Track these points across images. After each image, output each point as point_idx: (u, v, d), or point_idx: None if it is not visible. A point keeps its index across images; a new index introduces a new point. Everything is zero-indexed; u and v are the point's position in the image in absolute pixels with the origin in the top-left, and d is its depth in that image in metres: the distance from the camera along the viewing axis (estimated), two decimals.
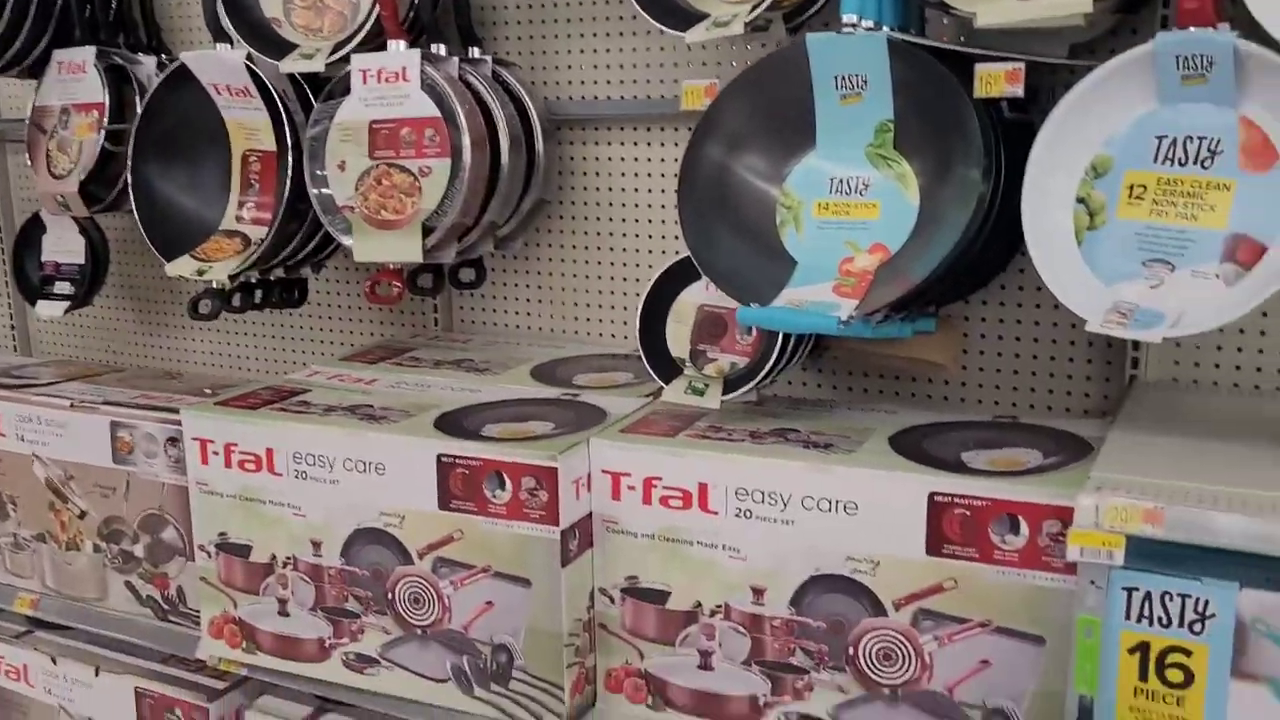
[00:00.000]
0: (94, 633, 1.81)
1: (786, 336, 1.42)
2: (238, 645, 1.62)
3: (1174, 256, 1.14)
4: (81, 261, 2.26)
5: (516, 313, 2.04)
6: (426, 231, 1.66)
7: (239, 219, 1.88)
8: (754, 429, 1.43)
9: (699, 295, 1.50)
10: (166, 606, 1.73)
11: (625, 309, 1.93)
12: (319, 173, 1.72)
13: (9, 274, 2.57)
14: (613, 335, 1.95)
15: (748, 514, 1.33)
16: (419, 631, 1.48)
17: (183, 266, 1.83)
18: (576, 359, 1.84)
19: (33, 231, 2.32)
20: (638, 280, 1.91)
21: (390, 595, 1.49)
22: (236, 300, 1.87)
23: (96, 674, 1.82)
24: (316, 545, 1.53)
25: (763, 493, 1.32)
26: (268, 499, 1.55)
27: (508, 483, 1.38)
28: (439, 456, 1.42)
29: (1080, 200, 1.21)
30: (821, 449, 1.34)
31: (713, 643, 1.37)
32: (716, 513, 1.34)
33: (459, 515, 1.42)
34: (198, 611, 1.70)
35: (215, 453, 1.57)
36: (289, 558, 1.55)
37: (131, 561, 1.75)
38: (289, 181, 1.75)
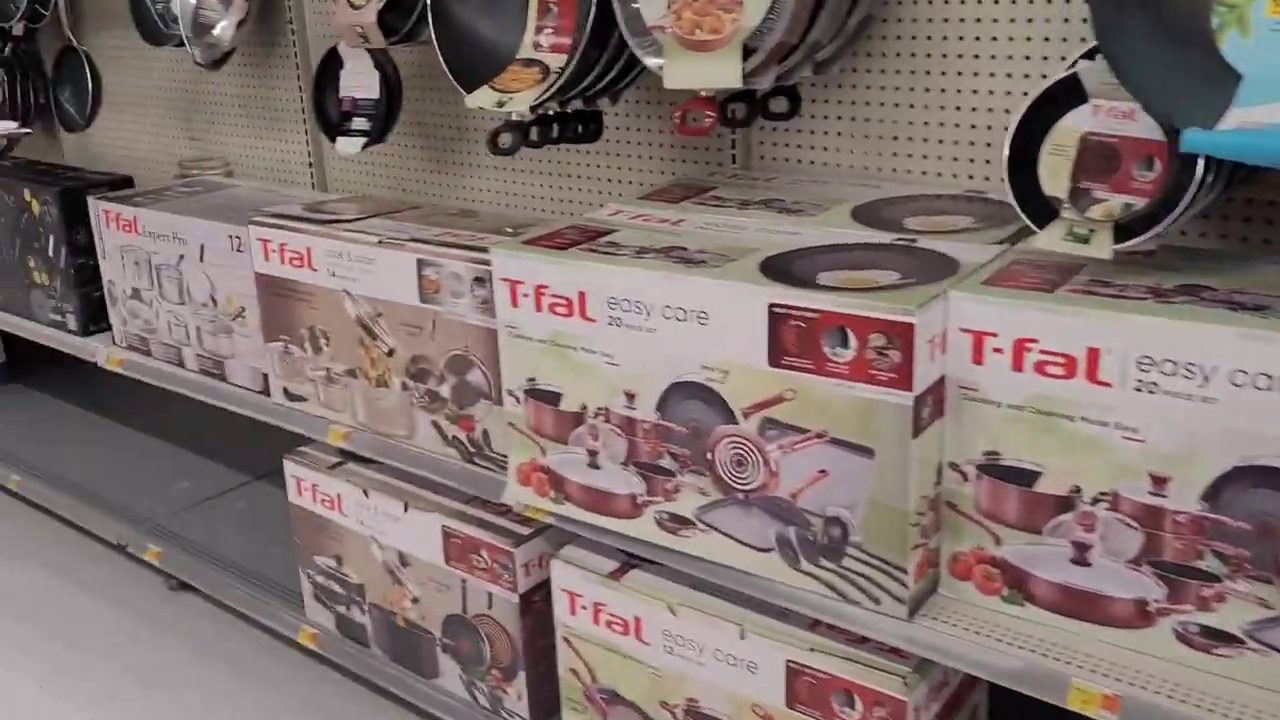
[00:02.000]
0: (402, 469, 1.82)
1: (1205, 172, 1.15)
2: (545, 494, 1.57)
3: None
4: (376, 97, 2.22)
5: (826, 148, 1.82)
6: (746, 53, 1.46)
7: (537, 46, 1.74)
8: (1153, 284, 1.18)
9: (1084, 121, 1.24)
10: (472, 449, 1.70)
11: (956, 143, 1.68)
12: None
13: (306, 110, 2.60)
14: (939, 174, 1.71)
15: (1151, 387, 1.10)
16: (741, 496, 1.36)
17: (482, 98, 1.72)
18: (900, 200, 1.62)
19: (330, 66, 2.30)
20: (974, 110, 1.64)
21: (710, 455, 1.37)
22: (534, 134, 1.76)
23: (405, 509, 1.83)
24: (630, 397, 1.42)
25: (1174, 363, 1.08)
26: (579, 345, 1.45)
27: (852, 339, 1.21)
28: (771, 307, 1.26)
29: None
30: (1251, 311, 1.08)
31: (1092, 535, 1.17)
32: (1109, 384, 1.12)
33: (792, 373, 1.27)
34: (503, 456, 1.66)
35: (525, 295, 1.48)
36: (600, 408, 1.46)
37: (438, 402, 1.72)
38: (593, 1, 1.59)
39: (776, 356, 1.27)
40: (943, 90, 1.66)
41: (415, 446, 1.78)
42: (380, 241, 1.72)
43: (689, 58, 1.50)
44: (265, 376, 2.02)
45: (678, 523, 1.44)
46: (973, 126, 1.66)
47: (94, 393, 3.30)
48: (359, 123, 2.23)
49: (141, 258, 2.21)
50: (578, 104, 1.75)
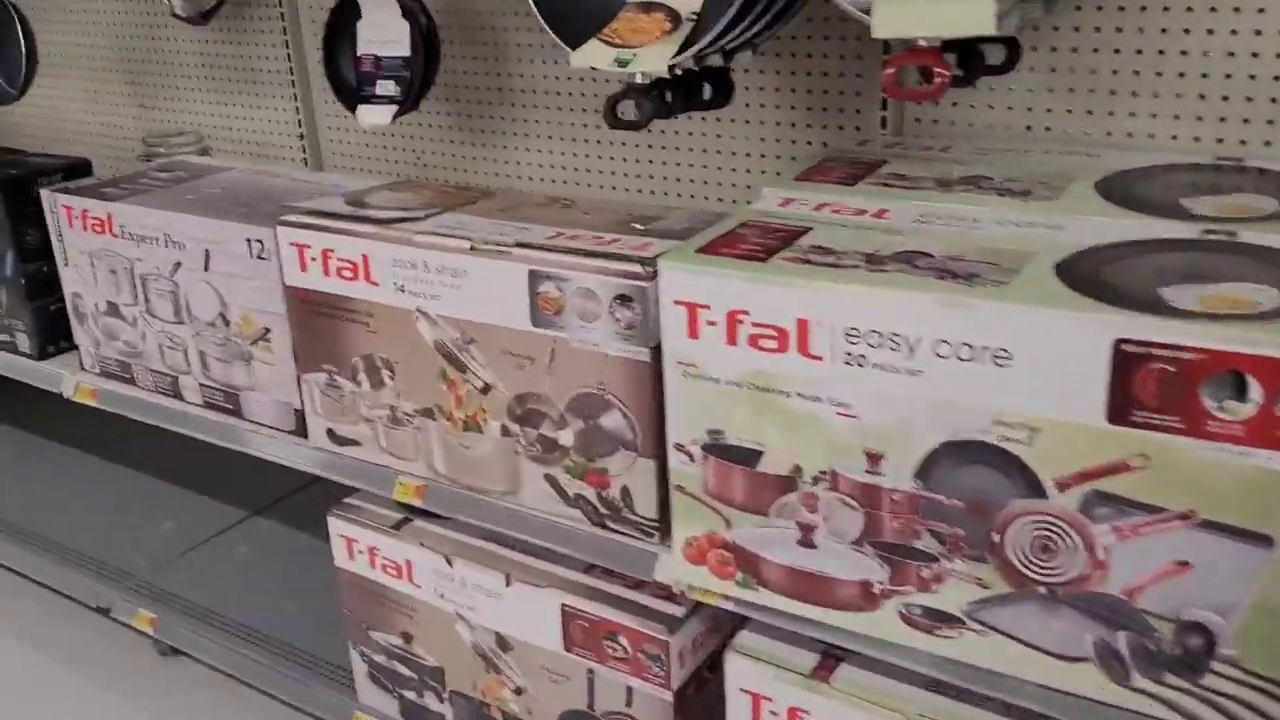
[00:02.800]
0: (500, 533, 1.43)
1: None
2: (728, 576, 1.20)
3: None
4: (407, 54, 1.79)
5: (1011, 107, 1.47)
6: None
7: None
8: None
9: None
10: (605, 510, 1.32)
11: (1203, 97, 1.34)
12: None
13: (295, 68, 2.14)
14: (1173, 136, 1.38)
15: None
16: (1043, 590, 1.01)
17: (595, 55, 1.32)
18: (1147, 172, 1.28)
19: (342, 18, 1.86)
20: (1230, 55, 1.31)
21: (998, 537, 1.02)
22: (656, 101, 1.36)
23: (508, 583, 1.45)
24: (874, 459, 1.06)
25: None
26: (795, 390, 1.08)
27: (1254, 389, 0.86)
28: (1118, 344, 0.91)
29: None
30: None
31: None
32: None
33: (1146, 434, 0.92)
34: (650, 520, 1.29)
35: (711, 322, 1.10)
36: (823, 472, 1.09)
37: (555, 451, 1.33)
38: None
39: (1122, 411, 0.92)
40: (1186, 31, 1.32)
41: (520, 505, 1.40)
42: (473, 248, 1.31)
43: None
44: (299, 414, 1.60)
45: (935, 619, 1.08)
46: (1227, 76, 1.32)
47: (40, 415, 2.79)
48: (386, 87, 1.81)
49: (119, 265, 1.75)
50: (716, 59, 1.36)
